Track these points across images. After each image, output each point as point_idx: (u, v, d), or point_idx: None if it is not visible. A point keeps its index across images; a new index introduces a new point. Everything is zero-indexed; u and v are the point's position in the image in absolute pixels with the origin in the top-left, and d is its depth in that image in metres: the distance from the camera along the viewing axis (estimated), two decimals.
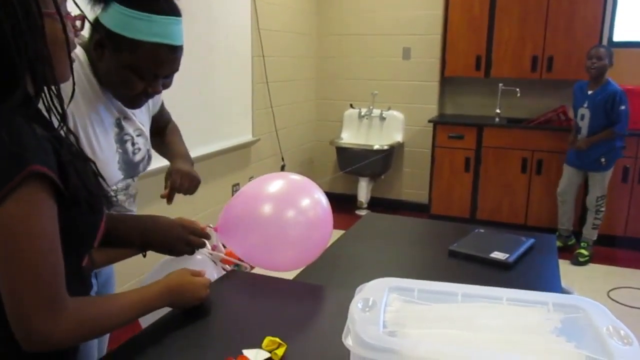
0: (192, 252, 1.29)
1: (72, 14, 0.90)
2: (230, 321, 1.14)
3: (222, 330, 1.10)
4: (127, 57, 1.15)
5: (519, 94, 4.48)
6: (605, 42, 4.25)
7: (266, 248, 1.33)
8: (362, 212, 4.75)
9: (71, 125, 1.17)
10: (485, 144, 4.36)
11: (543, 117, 4.42)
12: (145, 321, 1.09)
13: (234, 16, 3.59)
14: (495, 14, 4.34)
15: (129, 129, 1.34)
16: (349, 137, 4.96)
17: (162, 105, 1.55)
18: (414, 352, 0.74)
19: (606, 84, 3.65)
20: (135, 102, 1.27)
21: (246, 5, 3.74)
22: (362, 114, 4.94)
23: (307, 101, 5.06)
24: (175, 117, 1.64)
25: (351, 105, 5.02)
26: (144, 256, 1.26)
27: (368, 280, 0.94)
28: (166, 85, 1.26)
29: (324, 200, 1.39)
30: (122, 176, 1.32)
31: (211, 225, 1.36)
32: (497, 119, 4.56)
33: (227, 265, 1.42)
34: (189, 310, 1.12)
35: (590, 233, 3.89)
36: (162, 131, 1.57)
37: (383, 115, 4.88)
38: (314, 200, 1.36)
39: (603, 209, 3.84)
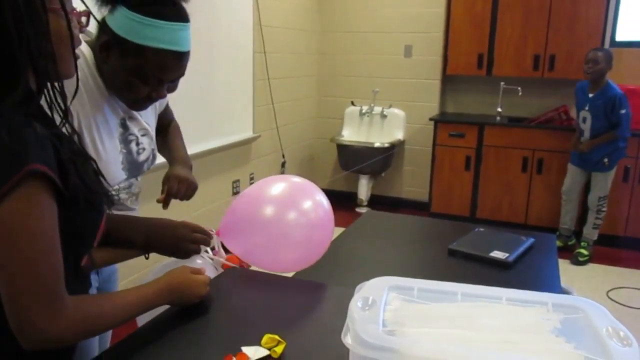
0: (198, 251, 1.28)
1: (77, 10, 0.90)
2: (230, 318, 1.14)
3: (221, 328, 1.10)
4: (132, 62, 1.14)
5: (520, 93, 4.48)
6: (607, 41, 4.24)
7: (268, 249, 1.34)
8: (363, 210, 4.75)
9: (75, 125, 1.16)
10: (486, 143, 4.35)
11: (544, 116, 4.42)
12: (144, 318, 1.09)
13: (235, 12, 3.58)
14: (497, 12, 4.33)
15: (134, 129, 1.33)
16: (350, 135, 4.95)
17: (167, 104, 1.55)
18: (413, 351, 0.74)
19: (606, 86, 3.65)
20: (139, 105, 1.27)
21: (248, 1, 3.73)
22: (363, 111, 4.93)
23: (308, 98, 5.06)
24: (176, 113, 1.63)
25: (352, 103, 5.01)
26: (147, 258, 1.26)
27: (367, 278, 0.94)
28: (171, 89, 1.25)
29: (325, 202, 1.40)
30: (125, 176, 1.32)
31: (212, 230, 1.36)
32: (498, 118, 4.55)
33: None
34: (188, 307, 1.12)
35: (590, 233, 3.89)
36: (164, 130, 1.57)
37: (384, 112, 4.88)
38: (315, 202, 1.37)
39: (605, 209, 3.84)
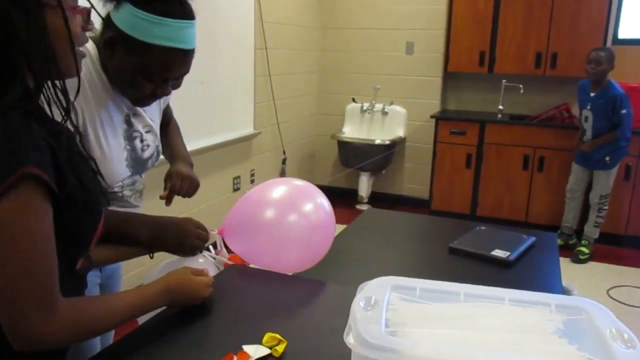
0: (202, 248, 1.28)
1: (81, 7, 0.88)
2: (231, 316, 1.13)
3: (222, 326, 1.10)
4: (137, 59, 1.13)
5: (522, 91, 4.46)
6: (610, 39, 4.22)
7: (269, 250, 1.35)
8: (363, 207, 4.74)
9: (80, 121, 1.16)
10: (487, 140, 4.34)
11: (546, 114, 4.41)
12: (145, 316, 1.09)
13: (237, 8, 3.57)
14: (499, 9, 4.31)
15: (138, 125, 1.33)
16: (351, 132, 4.94)
17: (168, 102, 1.54)
18: (415, 352, 0.73)
19: (607, 86, 3.64)
20: (143, 102, 1.26)
21: None
22: (364, 108, 4.92)
23: (309, 94, 5.05)
24: (176, 109, 1.63)
25: (353, 100, 5.00)
26: (151, 257, 1.25)
27: (368, 277, 0.94)
28: (175, 87, 1.25)
29: (326, 204, 1.41)
30: (129, 173, 1.31)
31: (213, 230, 1.36)
32: (499, 115, 4.54)
33: None
34: (189, 307, 1.11)
35: (591, 231, 3.89)
36: (164, 128, 1.56)
37: (385, 109, 4.87)
38: (316, 204, 1.39)
39: (606, 207, 3.84)
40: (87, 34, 0.90)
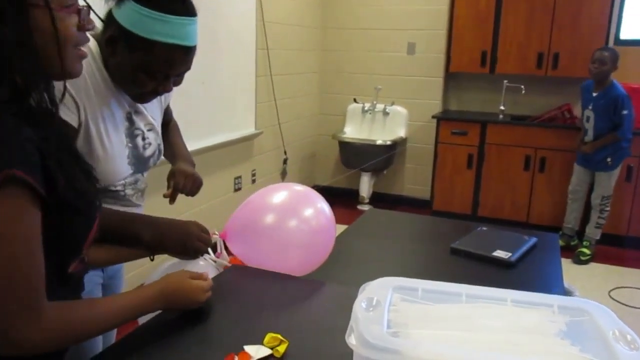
0: (206, 250, 1.27)
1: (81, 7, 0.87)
2: (232, 317, 1.13)
3: (224, 326, 1.09)
4: (139, 56, 1.13)
5: (523, 91, 4.46)
6: (612, 40, 4.22)
7: (270, 255, 1.35)
8: (364, 207, 4.74)
9: (82, 118, 1.15)
10: (489, 141, 4.34)
11: (547, 115, 4.40)
12: (145, 316, 1.08)
13: (238, 8, 3.57)
14: (501, 10, 4.31)
15: (140, 123, 1.33)
16: (352, 132, 4.94)
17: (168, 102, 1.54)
18: (418, 352, 0.73)
19: (610, 86, 3.64)
20: (144, 98, 1.27)
21: None
22: (366, 108, 4.92)
23: (311, 95, 5.05)
24: (178, 109, 1.63)
25: (355, 100, 5.00)
26: (152, 259, 1.24)
27: (369, 277, 0.94)
28: (177, 83, 1.25)
29: (326, 209, 1.42)
30: (131, 171, 1.30)
31: (216, 232, 1.35)
32: (501, 116, 4.54)
33: None
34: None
35: (593, 232, 3.88)
36: (164, 129, 1.56)
37: (386, 110, 4.86)
38: (317, 209, 1.39)
39: (608, 208, 3.83)
40: (88, 33, 0.90)
